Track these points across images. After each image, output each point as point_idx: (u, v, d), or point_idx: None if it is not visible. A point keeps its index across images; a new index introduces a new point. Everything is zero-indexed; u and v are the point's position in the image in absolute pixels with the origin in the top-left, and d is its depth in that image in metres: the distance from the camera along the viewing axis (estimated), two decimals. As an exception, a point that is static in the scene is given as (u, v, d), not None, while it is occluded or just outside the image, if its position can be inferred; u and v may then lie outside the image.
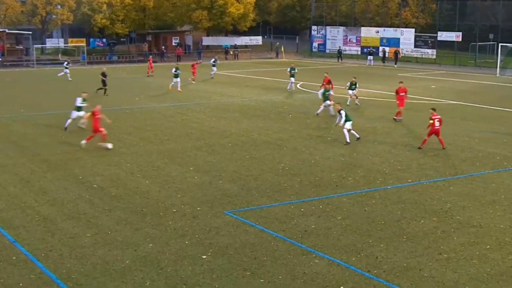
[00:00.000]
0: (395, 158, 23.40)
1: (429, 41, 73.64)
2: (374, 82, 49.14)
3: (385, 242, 14.75)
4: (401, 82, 33.24)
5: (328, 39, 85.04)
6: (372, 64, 70.93)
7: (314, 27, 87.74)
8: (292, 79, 43.95)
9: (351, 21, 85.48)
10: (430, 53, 73.23)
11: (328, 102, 32.17)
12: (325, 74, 38.07)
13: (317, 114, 32.64)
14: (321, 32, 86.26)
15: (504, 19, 69.58)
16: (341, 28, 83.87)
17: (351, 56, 79.53)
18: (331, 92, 32.86)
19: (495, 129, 29.60)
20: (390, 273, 12.99)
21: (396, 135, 27.92)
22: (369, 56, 72.59)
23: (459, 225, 16.02)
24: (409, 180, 20.34)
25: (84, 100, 28.00)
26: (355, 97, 36.28)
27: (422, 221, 16.30)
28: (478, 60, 69.88)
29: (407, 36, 75.59)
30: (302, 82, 49.50)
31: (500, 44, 60.98)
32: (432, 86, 48.49)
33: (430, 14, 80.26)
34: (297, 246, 14.47)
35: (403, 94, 31.95)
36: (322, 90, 32.79)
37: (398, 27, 79.14)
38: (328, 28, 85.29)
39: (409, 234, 15.31)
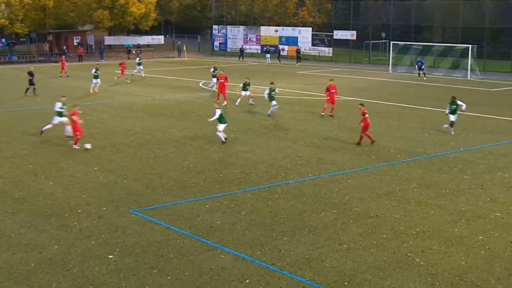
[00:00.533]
0: (295, 154, 24.02)
1: (326, 40, 75.59)
2: (273, 80, 49.88)
3: (288, 235, 15.17)
4: (331, 80, 34.55)
5: (229, 38, 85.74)
6: (270, 62, 72.37)
7: (215, 27, 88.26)
8: (214, 80, 43.55)
9: (251, 21, 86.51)
10: (327, 51, 75.19)
11: (274, 102, 32.33)
12: (221, 71, 38.83)
13: (269, 114, 32.67)
14: (222, 31, 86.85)
15: (395, 18, 72.37)
16: (242, 27, 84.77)
17: (251, 55, 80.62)
18: (277, 91, 32.83)
19: (389, 123, 30.82)
20: (293, 265, 13.39)
21: (296, 131, 28.63)
22: (267, 55, 74.08)
23: (357, 216, 16.67)
24: (310, 175, 20.96)
25: (64, 104, 26.55)
26: (250, 97, 36.80)
27: (322, 214, 16.86)
28: (371, 58, 72.71)
29: (304, 35, 77.34)
30: (204, 81, 49.83)
31: (391, 42, 63.63)
32: (330, 83, 49.80)
33: (326, 14, 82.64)
34: (203, 242, 14.67)
35: (334, 91, 33.15)
36: (267, 90, 32.82)
37: (296, 26, 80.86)
38: (229, 27, 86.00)
39: (311, 227, 15.80)
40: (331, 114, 32.85)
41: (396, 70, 61.03)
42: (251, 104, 36.60)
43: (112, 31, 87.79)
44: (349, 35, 73.29)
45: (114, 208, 17.25)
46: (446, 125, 28.39)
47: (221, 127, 25.55)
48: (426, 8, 73.98)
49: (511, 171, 21.61)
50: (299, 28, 79.33)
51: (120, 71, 50.25)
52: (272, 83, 33.19)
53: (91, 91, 42.25)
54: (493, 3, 65.68)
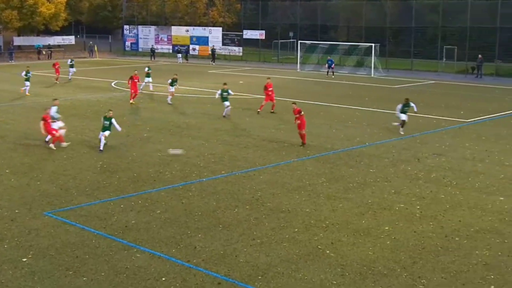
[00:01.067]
0: (208, 151, 24.30)
1: (236, 39, 76.24)
2: (186, 79, 50.08)
3: (202, 232, 15.40)
4: (269, 78, 35.34)
5: (141, 38, 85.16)
6: (181, 61, 72.60)
7: (126, 27, 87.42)
8: (149, 79, 42.73)
9: (162, 21, 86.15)
10: (237, 50, 75.89)
11: (227, 103, 32.04)
12: (135, 72, 38.66)
13: (224, 116, 32.36)
14: (133, 31, 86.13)
15: (302, 18, 73.89)
16: (153, 27, 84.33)
17: (163, 55, 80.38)
18: (231, 92, 32.40)
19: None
20: (208, 262, 13.62)
21: (209, 129, 28.90)
22: (178, 54, 74.27)
23: (269, 211, 17.07)
24: (223, 172, 21.27)
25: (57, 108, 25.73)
26: (170, 94, 36.89)
27: (236, 210, 17.21)
28: (280, 57, 74.00)
29: (215, 35, 77.79)
30: (116, 81, 49.39)
31: (299, 42, 65.05)
32: (240, 82, 50.41)
33: (235, 14, 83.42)
34: (119, 242, 14.71)
35: (271, 89, 33.89)
36: (219, 91, 32.31)
37: (206, 26, 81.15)
38: (140, 27, 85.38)
39: (225, 223, 16.10)
40: (272, 111, 33.64)
41: (304, 69, 62.38)
42: (169, 103, 36.69)
43: (21, 32, 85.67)
44: (258, 34, 74.28)
45: (27, 210, 17.01)
46: (396, 123, 28.67)
47: (106, 133, 24.65)
48: (331, 8, 76.03)
49: (413, 163, 22.71)
50: (210, 28, 79.69)
51: (55, 72, 49.11)
52: (225, 84, 32.82)
53: (28, 94, 41.08)
54: (393, 3, 68.21)
